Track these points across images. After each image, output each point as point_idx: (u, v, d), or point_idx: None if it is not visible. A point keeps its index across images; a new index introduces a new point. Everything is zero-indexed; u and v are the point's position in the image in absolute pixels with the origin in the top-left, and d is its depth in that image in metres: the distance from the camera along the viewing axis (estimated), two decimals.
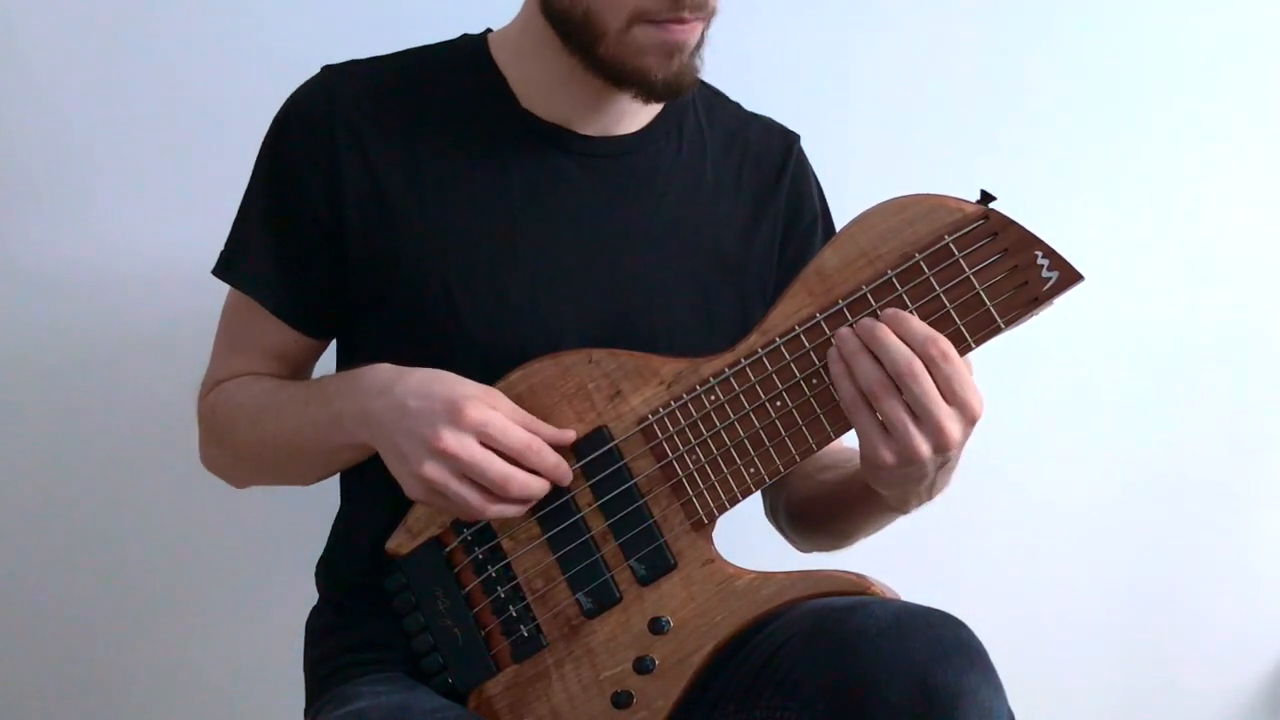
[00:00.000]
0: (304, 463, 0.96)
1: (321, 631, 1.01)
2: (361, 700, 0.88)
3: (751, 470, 0.86)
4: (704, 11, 0.87)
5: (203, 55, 1.25)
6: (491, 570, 0.89)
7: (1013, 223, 0.80)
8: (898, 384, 0.78)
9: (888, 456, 0.79)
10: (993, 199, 0.81)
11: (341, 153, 0.93)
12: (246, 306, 0.97)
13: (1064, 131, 1.43)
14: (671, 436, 0.87)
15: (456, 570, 0.90)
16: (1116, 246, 1.44)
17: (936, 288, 0.81)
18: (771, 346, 0.85)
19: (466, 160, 0.95)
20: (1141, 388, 1.51)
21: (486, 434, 0.82)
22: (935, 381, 0.77)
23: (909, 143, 1.39)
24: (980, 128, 1.41)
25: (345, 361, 1.01)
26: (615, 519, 0.87)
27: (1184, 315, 1.50)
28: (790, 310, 0.85)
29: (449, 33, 1.01)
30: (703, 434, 0.86)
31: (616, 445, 0.88)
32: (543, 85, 0.95)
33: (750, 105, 1.09)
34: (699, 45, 0.90)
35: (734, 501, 0.87)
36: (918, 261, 0.81)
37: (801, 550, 1.06)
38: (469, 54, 0.98)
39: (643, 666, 0.87)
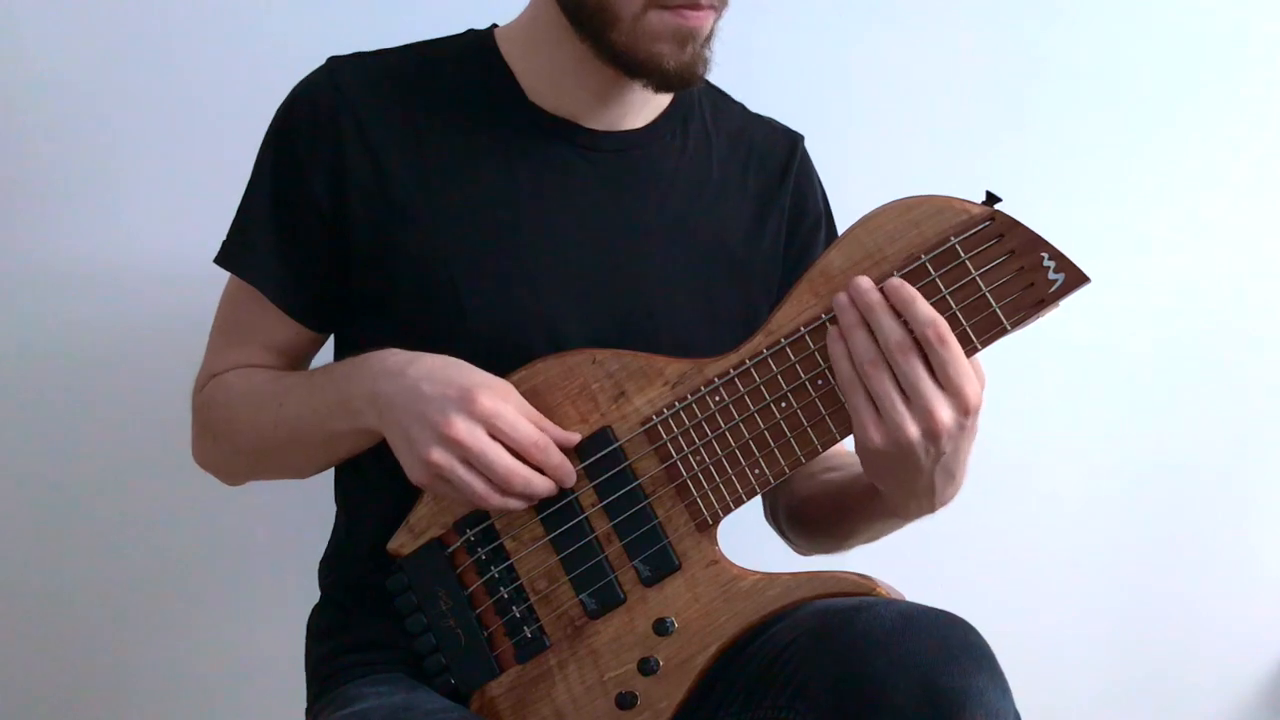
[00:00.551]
0: (306, 450, 0.95)
1: (323, 631, 1.00)
2: (363, 700, 0.88)
3: (756, 471, 0.85)
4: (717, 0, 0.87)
5: (208, 48, 1.25)
6: (495, 571, 0.89)
7: (1019, 224, 0.80)
8: (889, 361, 0.78)
9: (876, 436, 0.79)
10: (998, 200, 0.81)
11: (346, 144, 0.92)
12: (246, 297, 0.97)
13: (1068, 132, 1.43)
14: (676, 437, 0.87)
15: (459, 571, 0.90)
16: (1120, 245, 1.44)
17: (943, 289, 0.80)
18: (776, 347, 0.84)
19: (472, 153, 0.94)
20: (1143, 387, 1.51)
21: (496, 426, 0.82)
22: (930, 364, 0.77)
23: (913, 144, 1.39)
24: (985, 128, 1.41)
25: (343, 358, 1.01)
26: (619, 520, 0.87)
27: (1186, 314, 1.50)
28: (795, 311, 0.84)
29: (454, 28, 1.01)
30: (707, 435, 0.86)
31: (620, 446, 0.87)
32: (550, 79, 0.95)
33: (754, 106, 1.09)
34: (710, 36, 0.90)
35: (739, 503, 0.86)
36: (924, 263, 0.81)
37: (799, 552, 1.06)
38: (476, 48, 0.98)
39: (647, 667, 0.87)
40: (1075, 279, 0.79)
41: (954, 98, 1.40)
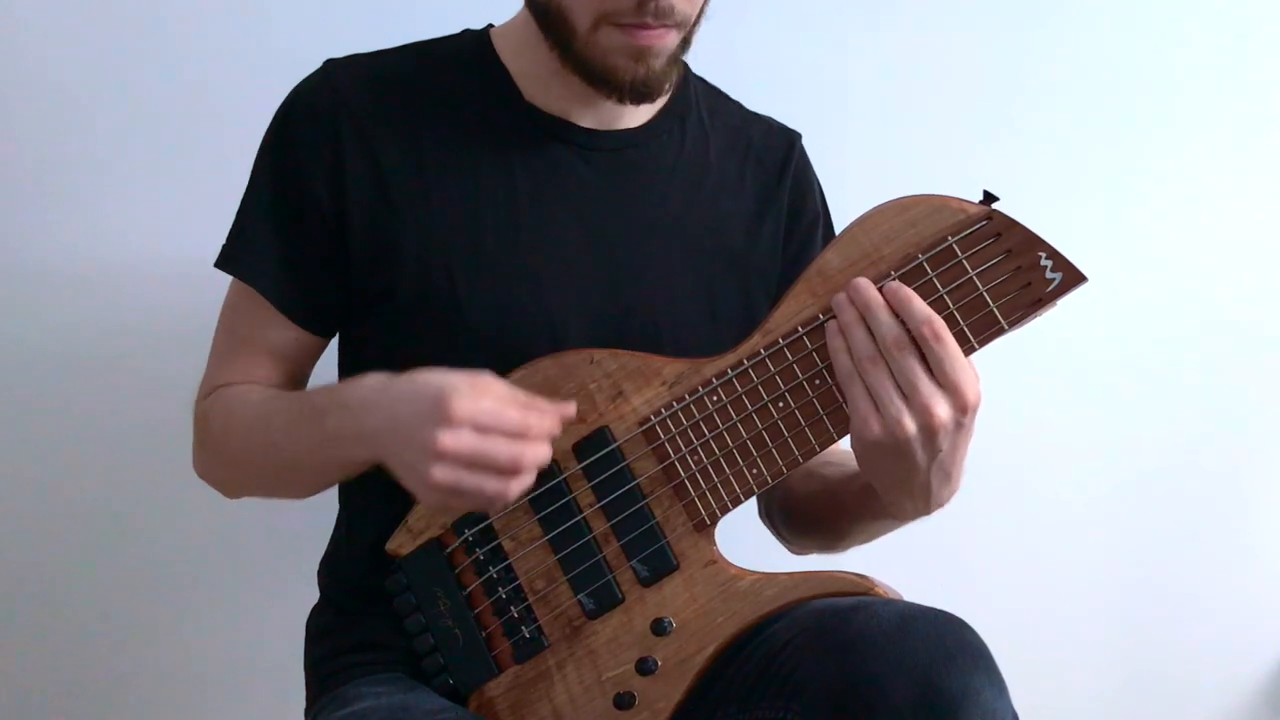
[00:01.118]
0: (300, 478, 0.94)
1: (323, 631, 1.00)
2: (362, 700, 0.88)
3: (754, 471, 0.86)
4: (672, 19, 0.86)
5: (206, 50, 1.25)
6: (493, 571, 0.89)
7: (1016, 223, 0.80)
8: (886, 358, 0.78)
9: (875, 427, 0.79)
10: (996, 199, 0.81)
11: (345, 145, 0.92)
12: (247, 302, 0.97)
13: (1065, 131, 1.43)
14: (674, 437, 0.87)
15: (458, 571, 0.90)
16: (1118, 244, 1.44)
17: (940, 289, 0.81)
18: (774, 347, 0.84)
19: (470, 153, 0.94)
20: (1143, 386, 1.51)
21: (480, 423, 0.79)
22: (927, 361, 0.78)
23: (911, 142, 1.39)
24: (983, 127, 1.41)
25: (346, 360, 1.01)
26: (617, 520, 0.87)
27: (1186, 312, 1.50)
28: (793, 310, 0.84)
29: (450, 29, 1.01)
30: (705, 435, 0.86)
31: (618, 446, 0.87)
32: (542, 79, 0.95)
33: (752, 105, 1.08)
34: (678, 53, 0.90)
35: (736, 503, 0.86)
36: (921, 263, 0.81)
37: (793, 551, 1.05)
38: (472, 48, 0.98)
39: (645, 667, 0.87)
40: (1073, 278, 0.79)
41: (952, 96, 1.40)
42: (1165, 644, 1.60)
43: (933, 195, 0.82)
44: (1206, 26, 1.43)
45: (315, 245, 0.94)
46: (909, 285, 0.80)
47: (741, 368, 0.85)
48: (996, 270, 0.80)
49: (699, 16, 0.90)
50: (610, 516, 0.87)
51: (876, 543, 0.98)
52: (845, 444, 0.85)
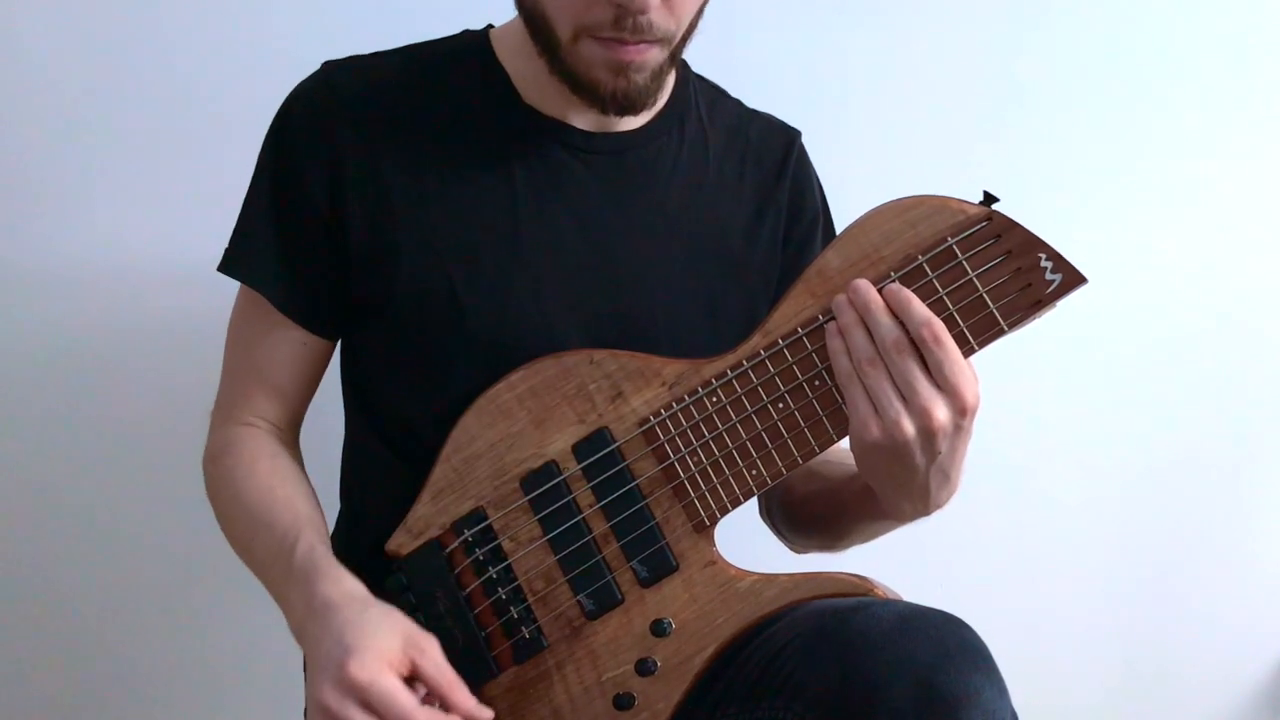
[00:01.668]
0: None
1: None
2: None
3: (754, 472, 0.86)
4: (652, 35, 0.85)
5: (204, 52, 1.25)
6: (493, 571, 0.89)
7: (1016, 225, 0.80)
8: (885, 360, 0.79)
9: (873, 429, 0.79)
10: (995, 200, 0.81)
11: (343, 147, 0.92)
12: (253, 308, 0.97)
13: (1066, 131, 1.43)
14: (673, 438, 0.87)
15: (457, 571, 0.90)
16: (1117, 242, 1.44)
17: (940, 289, 0.81)
18: (774, 348, 0.84)
19: (469, 155, 0.94)
20: (1142, 386, 1.51)
21: (365, 700, 0.77)
22: (926, 363, 0.78)
23: (911, 142, 1.39)
24: (983, 128, 1.41)
25: (348, 363, 1.01)
26: (617, 520, 0.87)
27: (1186, 312, 1.50)
28: (792, 311, 0.84)
29: (449, 30, 1.01)
30: (705, 436, 0.86)
31: (618, 447, 0.87)
32: (540, 81, 0.94)
33: (751, 103, 1.08)
34: (665, 67, 0.90)
35: (736, 503, 0.86)
36: (921, 264, 0.81)
37: (793, 550, 1.06)
38: (471, 49, 0.98)
39: (644, 668, 0.87)
40: (1072, 279, 0.79)
41: (951, 96, 1.40)
42: (1165, 644, 1.60)
43: (933, 196, 0.82)
44: (1206, 26, 1.43)
45: (315, 247, 0.94)
46: (909, 286, 0.80)
47: (741, 369, 0.85)
48: (996, 271, 0.80)
49: (689, 32, 0.90)
50: (610, 517, 0.87)
51: (876, 543, 0.98)
52: (846, 443, 0.85)
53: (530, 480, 0.89)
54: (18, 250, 1.26)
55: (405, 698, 0.76)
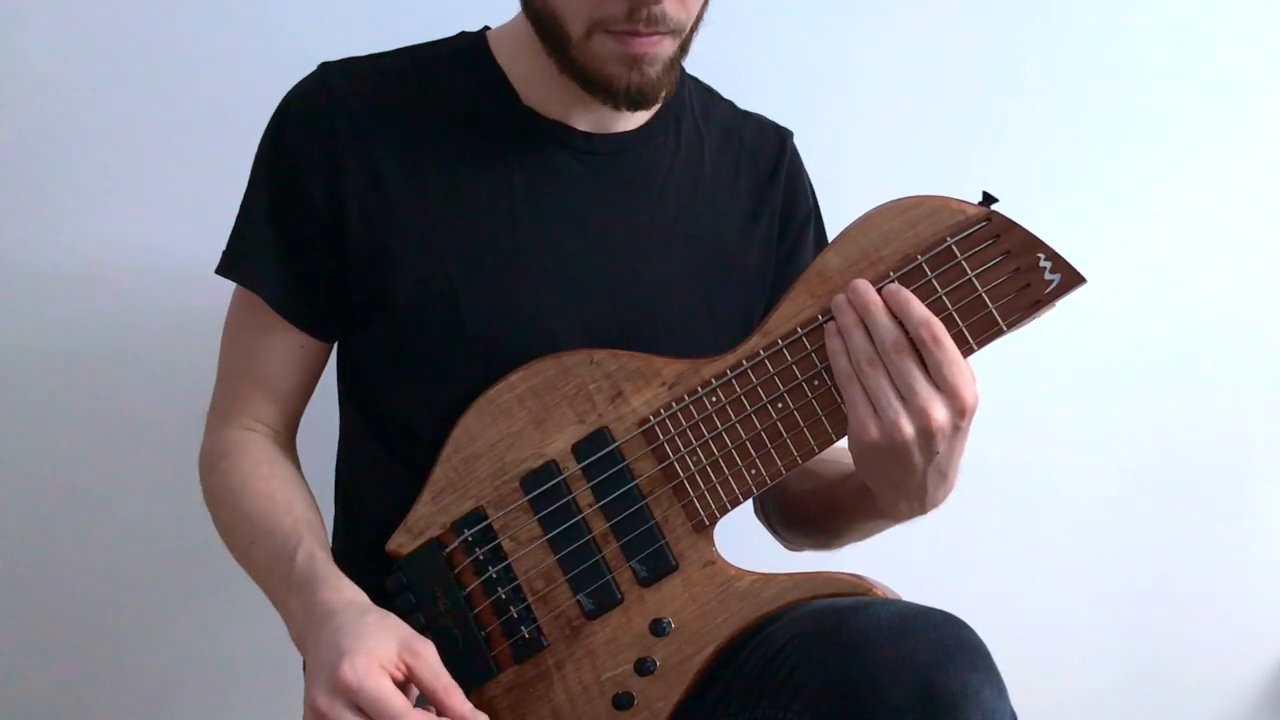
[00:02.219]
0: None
1: None
2: None
3: (753, 472, 0.86)
4: (665, 26, 0.85)
5: (204, 53, 1.25)
6: (492, 571, 0.89)
7: (1015, 225, 0.80)
8: (884, 360, 0.79)
9: (872, 429, 0.79)
10: (995, 200, 0.81)
11: (341, 148, 0.92)
12: (249, 312, 0.97)
13: (1065, 131, 1.43)
14: (673, 438, 0.87)
15: (457, 571, 0.90)
16: (1118, 244, 1.44)
17: (939, 289, 0.81)
18: (773, 348, 0.85)
19: (467, 156, 0.94)
20: (1142, 385, 1.52)
21: (355, 703, 0.76)
22: (925, 364, 0.78)
23: (910, 143, 1.39)
24: (982, 127, 1.41)
25: (346, 364, 1.01)
26: (616, 520, 0.87)
27: (1186, 312, 1.50)
28: (792, 311, 0.85)
29: (446, 31, 1.01)
30: (704, 435, 0.86)
31: (618, 447, 0.88)
32: (539, 82, 0.95)
33: (746, 104, 1.08)
34: (676, 59, 0.90)
35: (735, 503, 0.87)
36: (920, 264, 0.81)
37: (788, 547, 1.06)
38: (469, 51, 0.98)
39: (644, 668, 0.87)
40: (1071, 279, 0.79)
41: (951, 96, 1.40)
42: (1165, 644, 1.60)
43: (932, 196, 0.82)
44: (1206, 26, 1.43)
45: (314, 249, 0.94)
46: (908, 286, 0.80)
47: (741, 369, 0.85)
48: (995, 271, 0.80)
49: (697, 22, 0.90)
50: (609, 517, 0.88)
51: (874, 543, 0.98)
52: (842, 442, 0.85)
53: (530, 480, 0.89)
54: (16, 250, 1.26)
55: (396, 700, 0.76)
